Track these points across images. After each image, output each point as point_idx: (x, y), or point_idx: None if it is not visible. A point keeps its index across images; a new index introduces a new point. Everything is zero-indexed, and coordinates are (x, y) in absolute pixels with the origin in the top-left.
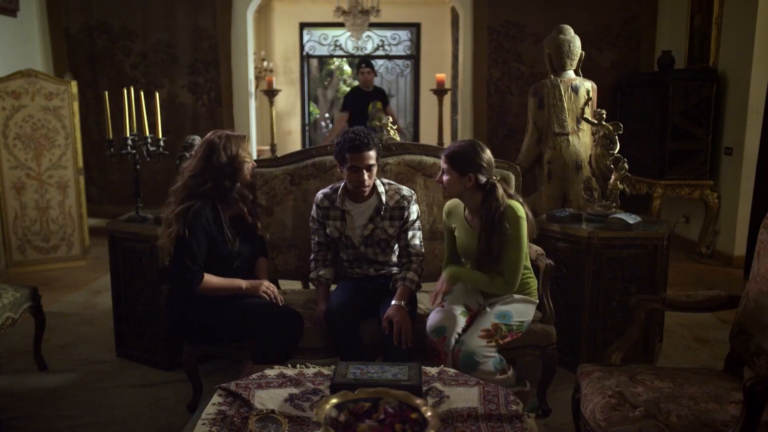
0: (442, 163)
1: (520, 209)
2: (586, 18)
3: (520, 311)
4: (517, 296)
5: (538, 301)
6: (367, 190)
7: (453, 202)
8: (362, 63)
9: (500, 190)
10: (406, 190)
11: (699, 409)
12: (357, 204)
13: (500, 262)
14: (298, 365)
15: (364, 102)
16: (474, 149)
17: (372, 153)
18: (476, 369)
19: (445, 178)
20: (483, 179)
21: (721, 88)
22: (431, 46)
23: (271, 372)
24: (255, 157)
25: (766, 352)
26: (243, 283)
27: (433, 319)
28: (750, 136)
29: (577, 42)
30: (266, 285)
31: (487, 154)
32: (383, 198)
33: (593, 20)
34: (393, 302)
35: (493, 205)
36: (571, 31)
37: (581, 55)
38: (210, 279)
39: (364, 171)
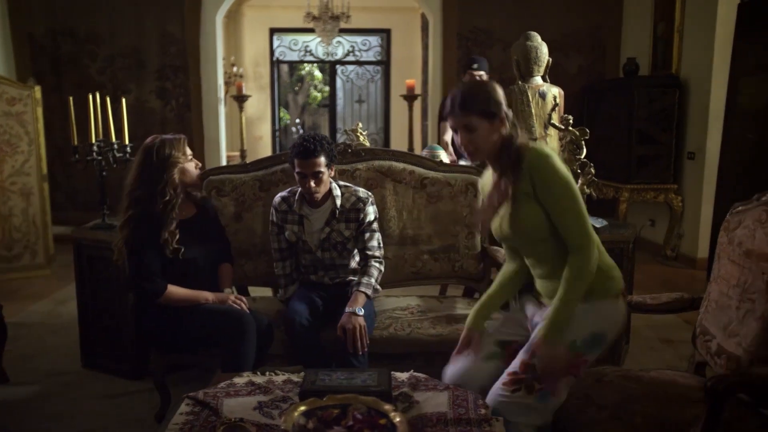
0: (456, 120)
1: (544, 148)
2: (553, 25)
3: (580, 319)
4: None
5: (621, 295)
6: (319, 196)
7: (486, 178)
8: (473, 62)
9: (520, 133)
10: (362, 192)
11: (663, 409)
12: (314, 209)
13: (543, 239)
14: (267, 373)
15: None
16: (488, 85)
17: (320, 160)
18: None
19: (471, 136)
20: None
21: (683, 95)
22: (401, 51)
23: (240, 380)
24: (224, 163)
25: (727, 353)
26: (209, 296)
27: (449, 372)
28: (711, 141)
29: (544, 48)
30: (233, 299)
31: (495, 85)
32: (338, 201)
33: (560, 27)
34: (346, 309)
35: (511, 150)
36: (539, 37)
37: (548, 61)
38: (174, 290)
39: (310, 178)
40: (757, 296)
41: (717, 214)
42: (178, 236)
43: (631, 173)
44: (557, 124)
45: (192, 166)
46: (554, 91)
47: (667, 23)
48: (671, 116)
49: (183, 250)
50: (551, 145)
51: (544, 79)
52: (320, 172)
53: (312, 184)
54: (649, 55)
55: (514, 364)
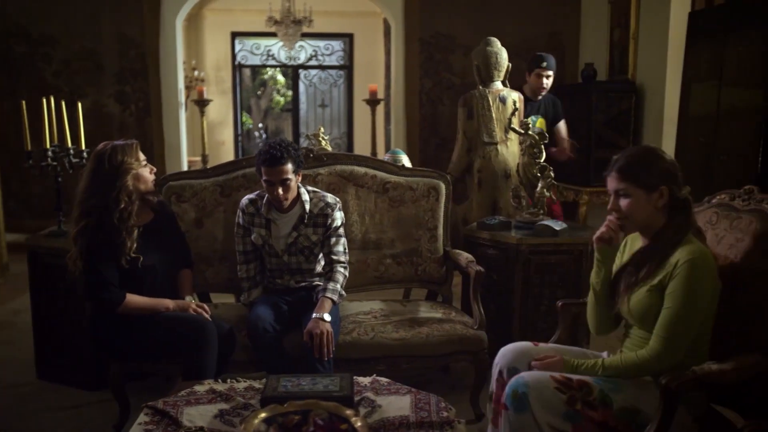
0: (614, 184)
1: (706, 255)
2: (514, 31)
3: (639, 397)
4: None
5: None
6: (286, 203)
7: (633, 237)
8: (541, 60)
9: (688, 213)
10: (330, 198)
11: None
12: (282, 213)
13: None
14: (229, 380)
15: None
16: (655, 153)
17: (287, 167)
18: (525, 408)
19: (623, 203)
20: (679, 192)
21: (639, 99)
22: (364, 56)
23: (201, 388)
24: (186, 168)
25: None
26: (170, 304)
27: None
28: (666, 145)
29: (504, 54)
30: (194, 307)
31: (670, 158)
32: (307, 206)
33: (520, 33)
34: (313, 315)
35: (680, 227)
36: (498, 43)
37: (508, 66)
38: (133, 299)
39: (278, 186)
40: None
41: None
42: (136, 245)
43: (590, 176)
44: (517, 129)
45: (147, 172)
46: (514, 96)
47: (622, 30)
48: (628, 121)
49: (142, 259)
50: (512, 149)
51: (504, 84)
52: (288, 179)
53: (280, 191)
54: (607, 61)
55: (574, 375)
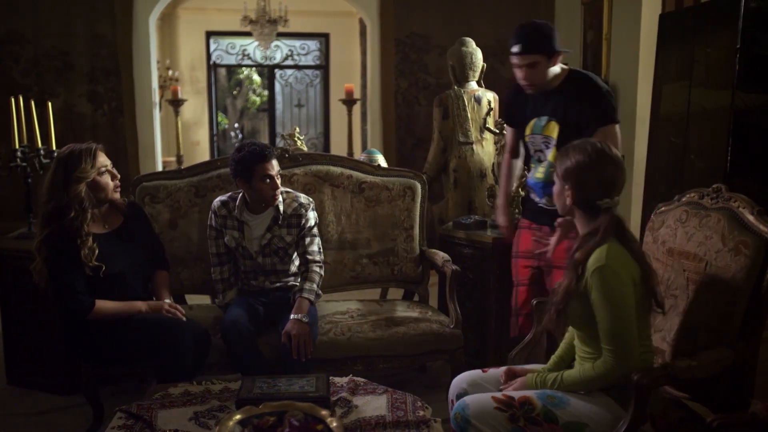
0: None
1: (612, 258)
2: (489, 31)
3: (585, 411)
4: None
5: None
6: (279, 197)
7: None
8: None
9: (605, 222)
10: (303, 198)
11: None
12: (255, 215)
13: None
14: (204, 382)
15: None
16: (589, 157)
17: (276, 161)
18: (467, 430)
19: (555, 187)
20: (583, 197)
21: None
22: (340, 56)
23: (176, 390)
24: (160, 169)
25: (653, 347)
26: (142, 306)
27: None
28: (639, 144)
29: (478, 54)
30: (168, 306)
31: (609, 166)
32: (281, 206)
33: (495, 33)
34: (291, 316)
35: (590, 240)
36: (473, 43)
37: (483, 66)
38: (103, 305)
39: (277, 178)
40: (679, 292)
41: (645, 215)
42: (96, 252)
43: None
44: (492, 128)
45: (106, 179)
46: (489, 96)
47: (595, 31)
48: None
49: (104, 268)
50: (487, 149)
51: (479, 83)
52: (279, 171)
53: (278, 183)
54: (580, 62)
55: (516, 392)
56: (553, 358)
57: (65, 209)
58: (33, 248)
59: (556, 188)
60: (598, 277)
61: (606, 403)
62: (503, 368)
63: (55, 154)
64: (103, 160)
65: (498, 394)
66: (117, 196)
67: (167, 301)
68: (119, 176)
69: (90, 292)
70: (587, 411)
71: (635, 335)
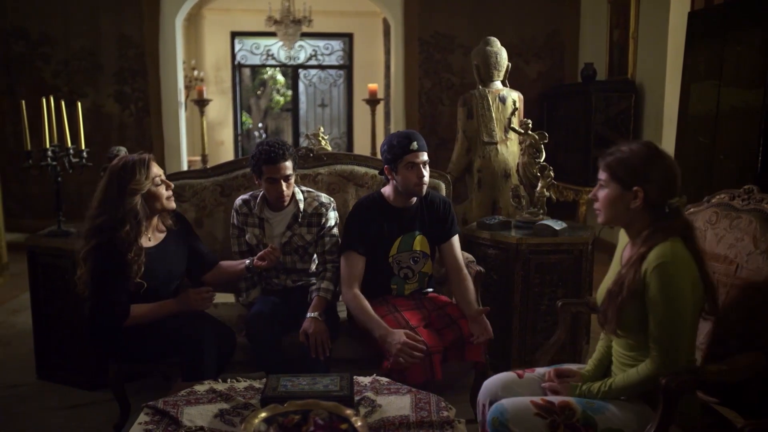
0: (600, 174)
1: (676, 254)
2: (513, 30)
3: (622, 417)
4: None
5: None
6: (287, 200)
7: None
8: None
9: (683, 218)
10: (324, 197)
11: None
12: (275, 212)
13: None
14: (229, 380)
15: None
16: (650, 152)
17: (288, 163)
18: None
19: (600, 194)
20: (656, 196)
21: (638, 99)
22: (364, 56)
23: (201, 387)
24: (185, 168)
25: None
26: (173, 306)
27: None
28: (665, 145)
29: (503, 54)
30: (193, 294)
31: (668, 162)
32: (301, 205)
33: (519, 33)
34: (308, 315)
35: (657, 236)
36: (498, 43)
37: (508, 66)
38: (137, 311)
39: (282, 182)
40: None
41: None
42: (143, 269)
43: (590, 176)
44: (517, 128)
45: (161, 190)
46: (514, 96)
47: (622, 30)
48: (627, 120)
49: (146, 286)
50: (511, 149)
51: (503, 83)
52: (290, 175)
53: (284, 187)
54: (606, 61)
55: (556, 397)
56: (592, 361)
57: (120, 223)
58: (78, 257)
59: (610, 194)
60: (659, 272)
61: (643, 411)
62: (546, 369)
63: (85, 151)
64: (156, 170)
65: (537, 399)
66: (172, 206)
67: (190, 289)
68: (173, 185)
69: (129, 302)
70: (624, 418)
71: (686, 339)
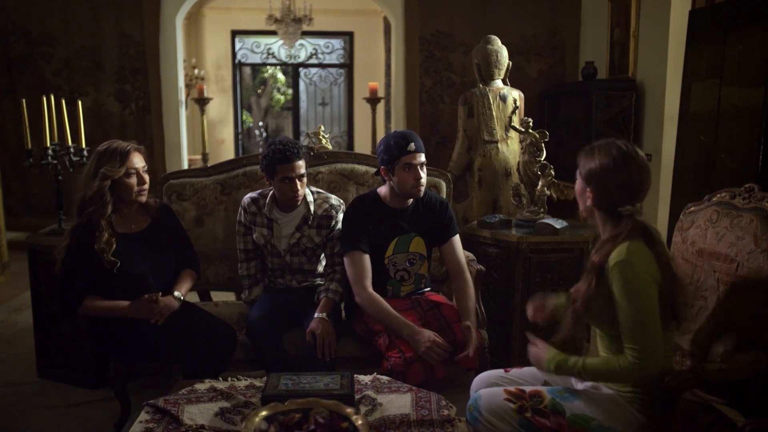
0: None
1: (632, 252)
2: (514, 29)
3: (592, 406)
4: (609, 389)
5: (643, 417)
6: (300, 199)
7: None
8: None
9: (626, 228)
10: (334, 199)
11: None
12: (285, 213)
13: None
14: (229, 378)
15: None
16: (613, 159)
17: (302, 162)
18: (478, 419)
19: (577, 185)
20: (602, 200)
21: (639, 98)
22: (364, 54)
23: (202, 386)
24: (186, 167)
25: (681, 348)
26: (125, 309)
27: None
28: (666, 143)
29: (504, 52)
30: (142, 302)
31: (630, 171)
32: (311, 207)
33: (520, 31)
34: (315, 315)
35: (607, 246)
36: (499, 41)
37: (508, 64)
38: (90, 304)
39: (297, 180)
40: (709, 294)
41: (673, 215)
42: (114, 247)
43: None
44: (518, 127)
45: (132, 182)
46: (514, 94)
47: (622, 28)
48: (628, 119)
49: (118, 264)
50: (512, 147)
51: (504, 82)
52: (303, 174)
53: (299, 186)
54: (607, 60)
55: (528, 386)
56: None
57: (89, 201)
58: (67, 231)
59: (577, 186)
60: (618, 271)
61: (614, 400)
62: (527, 369)
63: (86, 150)
64: (136, 161)
65: (511, 388)
66: (142, 199)
67: (146, 296)
68: (148, 181)
69: (88, 291)
70: (595, 406)
71: (659, 334)
